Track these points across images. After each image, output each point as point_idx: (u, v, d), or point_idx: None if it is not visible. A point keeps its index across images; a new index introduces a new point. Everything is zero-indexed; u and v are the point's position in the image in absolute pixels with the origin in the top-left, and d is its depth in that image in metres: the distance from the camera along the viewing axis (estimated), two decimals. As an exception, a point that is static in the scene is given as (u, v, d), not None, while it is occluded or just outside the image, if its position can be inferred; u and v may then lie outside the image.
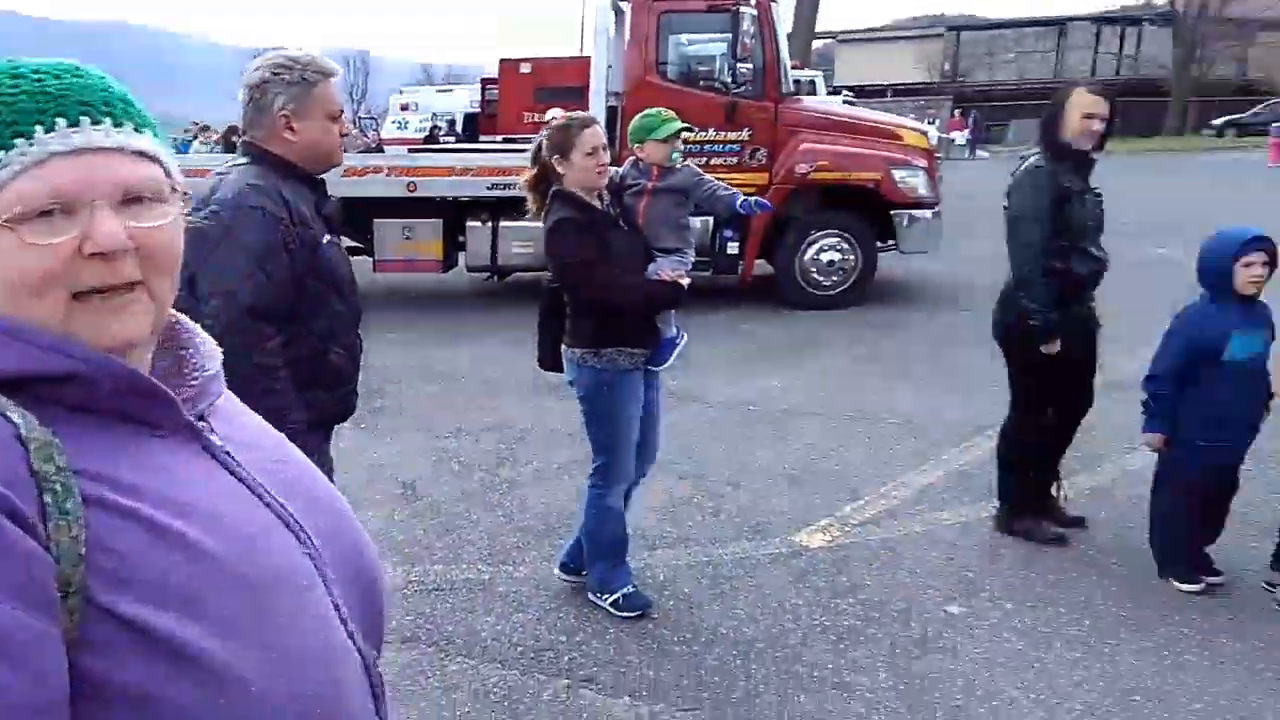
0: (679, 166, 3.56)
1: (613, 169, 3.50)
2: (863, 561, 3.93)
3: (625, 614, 3.51)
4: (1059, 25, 51.24)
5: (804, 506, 4.50)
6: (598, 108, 8.31)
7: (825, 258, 8.84)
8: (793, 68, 19.25)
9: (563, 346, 3.47)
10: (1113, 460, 4.86)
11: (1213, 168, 25.64)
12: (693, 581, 3.80)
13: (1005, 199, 3.92)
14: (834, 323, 8.39)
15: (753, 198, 3.70)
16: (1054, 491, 4.21)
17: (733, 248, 8.78)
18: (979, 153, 32.91)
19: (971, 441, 5.24)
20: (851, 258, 8.84)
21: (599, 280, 3.26)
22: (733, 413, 5.96)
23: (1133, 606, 3.51)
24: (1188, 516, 3.64)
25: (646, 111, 3.58)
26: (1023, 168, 3.85)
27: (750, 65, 8.43)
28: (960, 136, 33.34)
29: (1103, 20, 50.76)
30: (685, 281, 3.41)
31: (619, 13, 8.93)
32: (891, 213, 8.76)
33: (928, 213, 8.80)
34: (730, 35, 8.32)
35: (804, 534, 4.22)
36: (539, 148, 3.36)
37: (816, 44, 40.79)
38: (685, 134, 3.60)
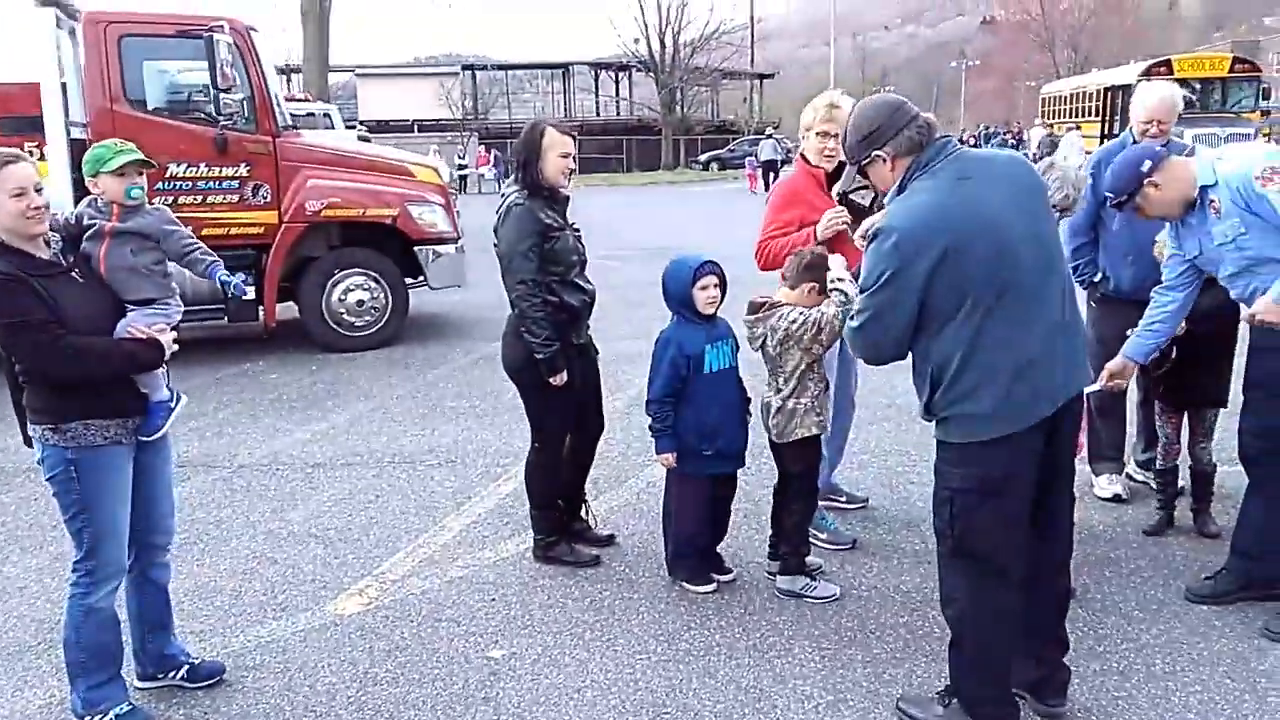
0: (148, 208, 3.13)
1: (74, 209, 3.05)
2: (402, 620, 3.72)
3: None
4: (563, 69, 55.42)
5: (339, 569, 4.18)
6: (57, 140, 7.20)
7: (354, 297, 8.52)
8: (305, 99, 18.56)
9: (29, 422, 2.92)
10: (636, 475, 5.15)
11: (709, 196, 29.39)
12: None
13: (495, 236, 3.94)
14: (370, 364, 8.09)
15: (234, 278, 3.24)
16: (583, 514, 4.34)
17: (249, 293, 8.10)
18: (489, 186, 34.36)
19: (510, 473, 5.26)
20: (381, 296, 8.61)
21: (43, 344, 2.74)
22: (260, 474, 5.43)
23: (661, 617, 3.69)
24: (699, 522, 3.91)
25: (101, 141, 3.13)
26: (504, 205, 3.88)
27: (236, 96, 7.85)
28: (488, 171, 34.57)
29: (599, 66, 55.82)
30: (167, 337, 2.97)
31: (74, 33, 7.83)
32: (415, 249, 8.67)
33: (451, 248, 8.84)
34: (207, 63, 7.66)
35: (339, 600, 3.90)
36: None
37: (337, 78, 40.05)
38: (150, 169, 3.15)
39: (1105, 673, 3.20)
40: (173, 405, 3.07)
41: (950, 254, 2.58)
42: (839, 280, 3.50)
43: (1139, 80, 23.23)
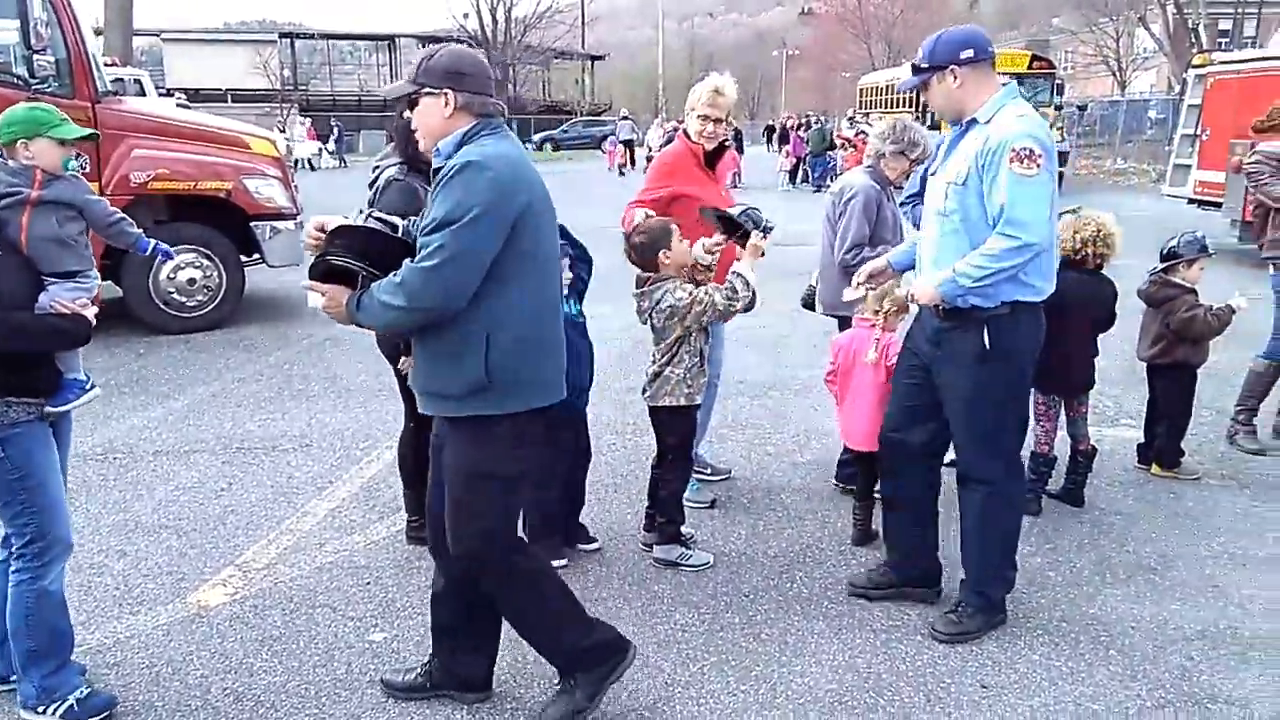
0: (70, 176, 2.94)
1: None
2: (273, 609, 3.60)
3: None
4: (388, 40, 53.67)
5: (197, 560, 3.99)
6: None
7: (184, 276, 8.04)
8: (112, 64, 17.31)
9: None
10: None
11: (566, 174, 29.05)
12: (66, 682, 3.11)
13: (368, 209, 3.83)
14: (205, 346, 7.68)
15: (161, 244, 3.38)
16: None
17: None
18: (329, 161, 33.17)
19: (370, 456, 5.15)
20: (214, 275, 8.17)
21: None
22: (95, 464, 5.08)
23: (542, 591, 3.72)
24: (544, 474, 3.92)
25: (38, 104, 2.89)
26: (382, 178, 3.78)
27: (51, 58, 7.22)
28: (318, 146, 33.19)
29: (427, 39, 54.36)
30: (90, 312, 2.82)
31: None
32: (252, 225, 8.27)
33: (290, 223, 8.47)
34: (19, 21, 7.01)
35: (202, 591, 3.73)
36: None
37: (140, 42, 37.32)
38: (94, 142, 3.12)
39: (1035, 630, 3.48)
40: (87, 386, 2.93)
41: (530, 207, 2.56)
42: (737, 274, 3.65)
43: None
